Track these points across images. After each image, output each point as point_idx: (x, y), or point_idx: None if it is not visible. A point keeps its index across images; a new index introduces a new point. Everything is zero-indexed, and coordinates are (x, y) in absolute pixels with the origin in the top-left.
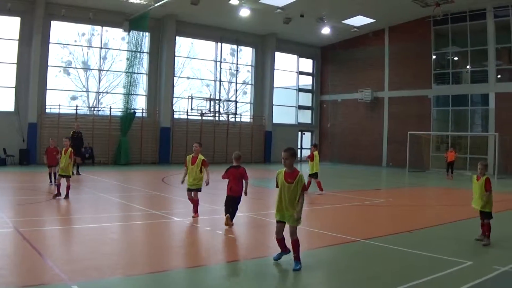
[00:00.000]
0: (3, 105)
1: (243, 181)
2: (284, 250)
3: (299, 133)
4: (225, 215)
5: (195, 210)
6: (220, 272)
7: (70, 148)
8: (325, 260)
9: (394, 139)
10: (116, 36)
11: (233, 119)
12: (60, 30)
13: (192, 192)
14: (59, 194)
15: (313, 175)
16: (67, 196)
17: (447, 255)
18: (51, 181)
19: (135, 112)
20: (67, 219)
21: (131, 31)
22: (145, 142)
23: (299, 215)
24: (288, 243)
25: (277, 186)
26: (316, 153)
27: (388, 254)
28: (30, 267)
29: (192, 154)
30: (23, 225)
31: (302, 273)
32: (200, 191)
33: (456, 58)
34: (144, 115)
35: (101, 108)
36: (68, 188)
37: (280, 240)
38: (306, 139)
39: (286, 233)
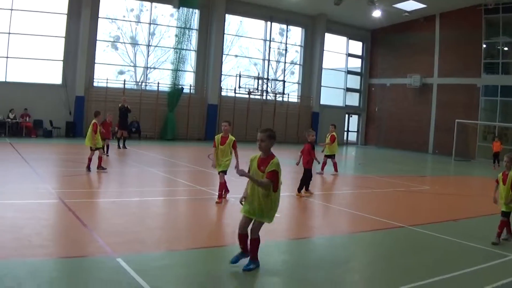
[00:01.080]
0: (51, 78)
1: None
2: (246, 251)
3: (346, 115)
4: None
5: (219, 195)
6: (266, 250)
7: (94, 121)
8: (369, 244)
9: (441, 126)
10: (165, 12)
11: (280, 99)
12: (108, 5)
13: (219, 174)
14: (88, 167)
15: (331, 156)
16: (99, 167)
17: (490, 246)
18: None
19: (182, 88)
20: (112, 192)
21: (181, 7)
22: (192, 118)
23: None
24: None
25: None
26: (335, 133)
27: (432, 242)
28: (74, 239)
29: (221, 134)
30: (68, 196)
31: (347, 256)
32: (226, 174)
33: (506, 49)
34: (191, 91)
35: (149, 83)
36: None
37: (243, 238)
38: (353, 122)
39: None
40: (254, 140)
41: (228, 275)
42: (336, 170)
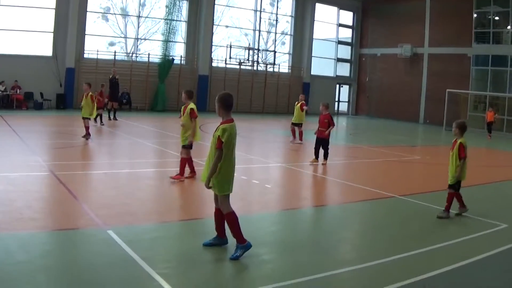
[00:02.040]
0: (41, 50)
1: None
2: (221, 235)
3: (337, 85)
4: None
5: (179, 173)
6: (257, 222)
7: (90, 93)
8: (361, 214)
9: (432, 96)
10: None
11: (271, 69)
12: None
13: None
14: (89, 134)
15: (299, 125)
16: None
17: (482, 216)
18: (96, 122)
19: (173, 59)
20: (103, 163)
21: None
22: (183, 89)
23: (208, 182)
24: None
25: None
26: (304, 102)
27: (423, 212)
28: (66, 211)
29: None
30: (59, 168)
31: (338, 226)
32: (186, 148)
33: (497, 18)
34: (182, 62)
35: (139, 54)
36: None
37: (216, 213)
38: (344, 92)
39: None
40: (245, 111)
41: (219, 246)
42: (301, 139)
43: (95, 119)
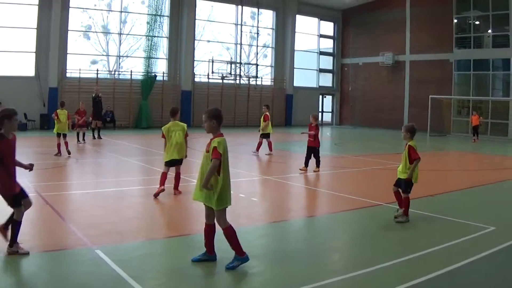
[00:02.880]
0: (24, 70)
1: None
2: (210, 251)
3: (320, 96)
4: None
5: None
6: (245, 235)
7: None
8: (348, 223)
9: (415, 103)
10: (135, 0)
11: (254, 82)
12: None
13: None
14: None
15: (266, 136)
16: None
17: (470, 220)
18: (79, 141)
19: (155, 76)
20: (89, 183)
21: None
22: (166, 105)
23: (205, 185)
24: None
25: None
26: (268, 113)
27: (411, 219)
28: (53, 232)
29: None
30: (45, 189)
31: (326, 236)
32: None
33: (477, 22)
34: (164, 78)
35: (122, 72)
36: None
37: (207, 229)
38: (327, 102)
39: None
40: (229, 126)
41: (209, 261)
42: (270, 149)
43: (77, 138)
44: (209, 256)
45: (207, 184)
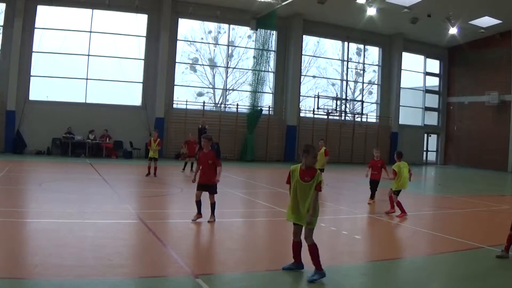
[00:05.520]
0: (131, 99)
1: None
2: (297, 261)
3: (425, 135)
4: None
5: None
6: (345, 272)
7: (158, 139)
8: (448, 266)
9: None
10: (242, 34)
11: (359, 119)
12: (187, 27)
13: None
14: (149, 174)
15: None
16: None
17: None
18: (184, 169)
19: (261, 110)
20: (191, 213)
21: (258, 29)
22: (271, 139)
23: (311, 219)
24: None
25: (287, 183)
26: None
27: None
28: (155, 259)
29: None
30: (147, 216)
31: (427, 278)
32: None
33: None
34: (270, 112)
35: (228, 105)
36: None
37: (294, 245)
38: (432, 141)
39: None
40: (333, 162)
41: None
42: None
43: (183, 168)
44: (298, 265)
45: (314, 212)
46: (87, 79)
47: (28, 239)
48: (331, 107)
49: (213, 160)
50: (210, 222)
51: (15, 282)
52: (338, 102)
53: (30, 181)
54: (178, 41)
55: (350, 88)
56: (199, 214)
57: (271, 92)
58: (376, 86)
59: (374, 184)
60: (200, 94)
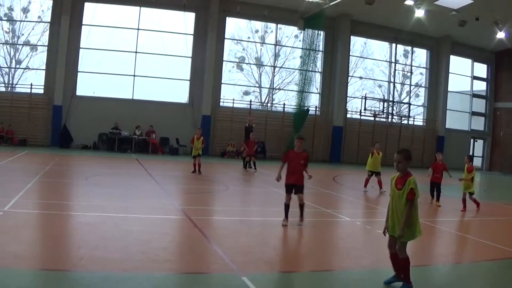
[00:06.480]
0: (177, 97)
1: None
2: (398, 273)
3: (472, 140)
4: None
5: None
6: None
7: (201, 137)
8: (490, 274)
9: None
10: (289, 34)
11: (405, 122)
12: (234, 26)
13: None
14: (195, 171)
15: (379, 173)
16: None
17: None
18: (246, 167)
19: (308, 110)
20: (237, 210)
21: (306, 29)
22: (317, 140)
23: (402, 232)
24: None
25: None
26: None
27: None
28: (200, 255)
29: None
30: (193, 213)
31: (471, 285)
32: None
33: None
34: (317, 113)
35: (274, 104)
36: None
37: (392, 256)
38: (478, 147)
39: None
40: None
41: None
42: (381, 187)
43: (244, 166)
44: (399, 278)
45: (409, 223)
46: (134, 75)
47: (74, 232)
48: (378, 109)
49: (305, 161)
50: (300, 226)
51: (61, 274)
52: (385, 104)
53: (76, 175)
54: (225, 40)
55: (397, 90)
56: (287, 218)
57: (318, 92)
58: (423, 89)
59: (436, 187)
60: (246, 93)
